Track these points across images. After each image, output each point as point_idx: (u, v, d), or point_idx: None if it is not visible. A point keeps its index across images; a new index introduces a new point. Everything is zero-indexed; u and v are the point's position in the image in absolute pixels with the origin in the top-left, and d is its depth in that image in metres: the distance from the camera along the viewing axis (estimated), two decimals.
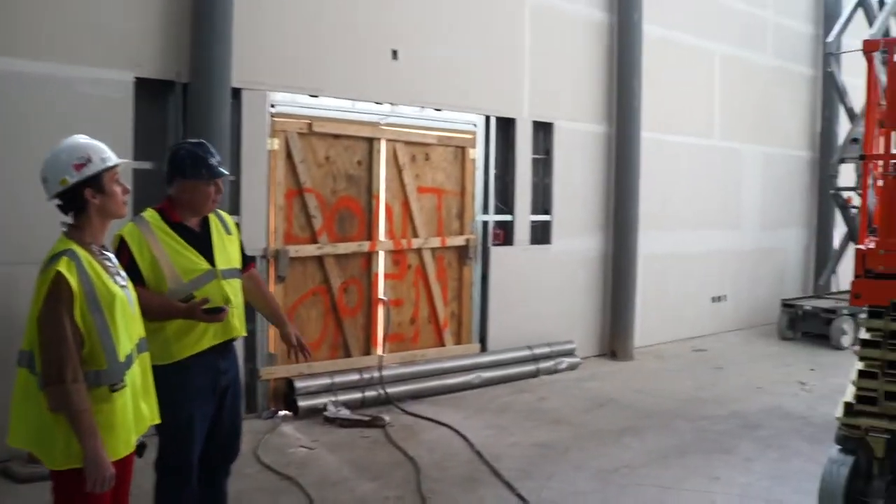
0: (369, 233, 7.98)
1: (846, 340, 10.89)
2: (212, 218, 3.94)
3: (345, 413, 7.11)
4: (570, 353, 9.60)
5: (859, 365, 4.84)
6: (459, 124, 8.73)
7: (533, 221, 9.63)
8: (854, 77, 12.28)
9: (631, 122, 10.08)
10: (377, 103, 7.95)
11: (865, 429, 4.93)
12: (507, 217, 9.38)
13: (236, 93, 6.88)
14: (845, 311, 10.89)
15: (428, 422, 7.18)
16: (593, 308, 10.30)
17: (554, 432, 6.99)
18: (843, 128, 13.04)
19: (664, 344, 11.08)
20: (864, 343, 4.80)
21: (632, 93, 10.04)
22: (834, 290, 12.31)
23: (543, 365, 9.17)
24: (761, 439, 6.83)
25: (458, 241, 8.78)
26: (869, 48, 4.76)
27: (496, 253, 9.16)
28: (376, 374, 7.69)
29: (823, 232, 13.34)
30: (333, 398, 7.28)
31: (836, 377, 9.19)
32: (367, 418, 7.03)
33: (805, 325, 11.42)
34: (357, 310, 7.97)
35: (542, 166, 9.78)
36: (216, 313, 3.64)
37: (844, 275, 12.31)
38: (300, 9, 7.27)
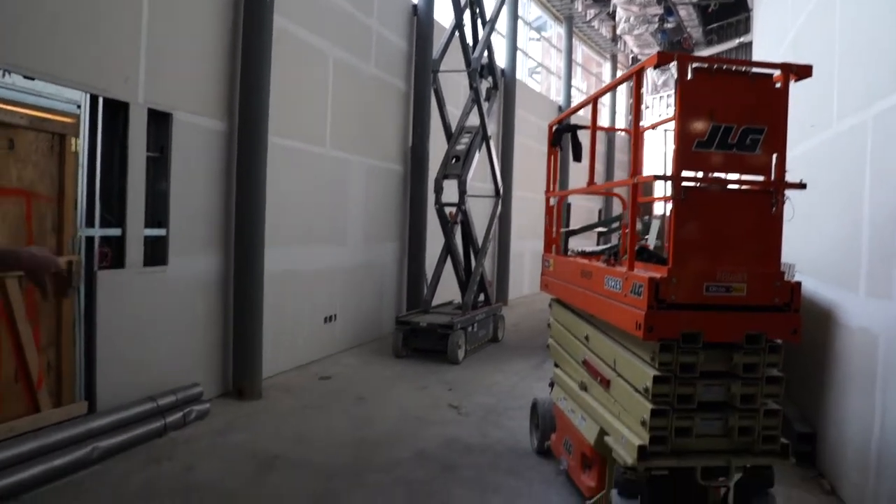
0: None
1: (461, 354, 10.98)
2: None
3: None
4: (197, 399, 7.76)
5: (649, 405, 4.35)
6: (59, 103, 6.33)
7: (146, 236, 7.55)
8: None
9: (258, 121, 8.61)
10: None
11: (648, 469, 4.50)
12: (116, 231, 7.17)
13: None
14: (459, 326, 10.96)
15: None
16: (215, 340, 8.56)
17: None
18: (435, 144, 13.38)
19: (285, 373, 9.83)
20: (656, 380, 4.33)
21: (260, 87, 8.58)
22: (435, 303, 12.45)
23: (171, 419, 7.19)
24: (471, 483, 6.10)
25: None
26: (663, 61, 4.30)
27: (104, 279, 6.91)
28: None
29: (416, 246, 13.45)
30: None
31: (478, 395, 9.11)
32: None
33: (418, 342, 11.22)
34: None
35: (156, 167, 7.74)
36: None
37: (442, 287, 12.57)
38: None
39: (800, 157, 7.30)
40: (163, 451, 6.62)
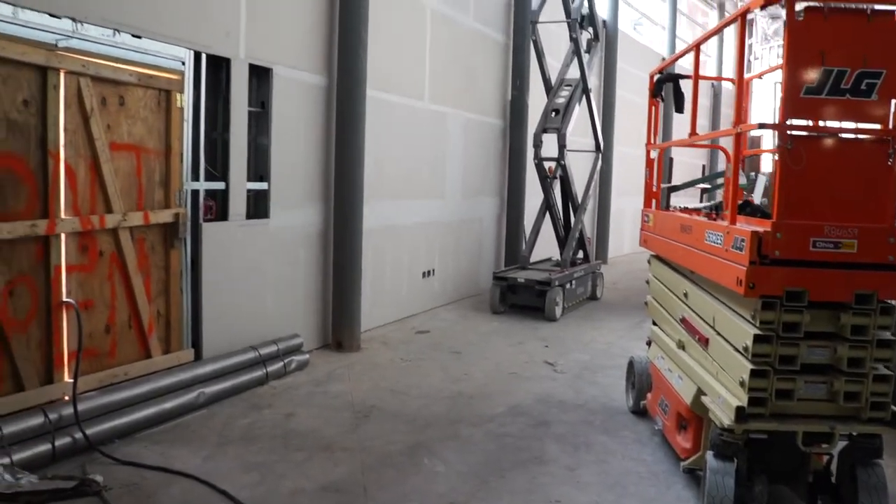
0: (45, 207, 5.51)
1: (559, 311, 10.88)
2: None
3: (30, 481, 4.73)
4: (297, 350, 8.00)
5: (749, 365, 4.17)
6: (164, 59, 6.52)
7: (248, 190, 7.77)
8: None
9: (356, 75, 8.64)
10: (53, 16, 5.45)
11: (746, 432, 4.34)
12: (220, 185, 7.40)
13: None
14: (557, 283, 10.85)
15: (159, 472, 5.12)
16: (315, 293, 8.77)
17: (334, 465, 5.43)
18: (534, 98, 13.14)
19: (383, 327, 10.00)
20: (757, 339, 4.13)
21: (358, 41, 8.60)
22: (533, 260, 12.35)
23: (272, 368, 7.45)
24: (563, 439, 6.06)
25: (165, 216, 6.63)
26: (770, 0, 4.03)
27: (209, 231, 7.16)
28: (68, 412, 5.33)
29: (514, 201, 13.32)
30: (5, 460, 4.81)
31: (574, 352, 9.02)
32: (69, 484, 4.75)
33: (515, 298, 11.19)
34: (30, 320, 5.47)
35: (257, 122, 7.92)
36: None
37: (540, 244, 12.45)
38: None
39: None
40: (264, 398, 6.88)
